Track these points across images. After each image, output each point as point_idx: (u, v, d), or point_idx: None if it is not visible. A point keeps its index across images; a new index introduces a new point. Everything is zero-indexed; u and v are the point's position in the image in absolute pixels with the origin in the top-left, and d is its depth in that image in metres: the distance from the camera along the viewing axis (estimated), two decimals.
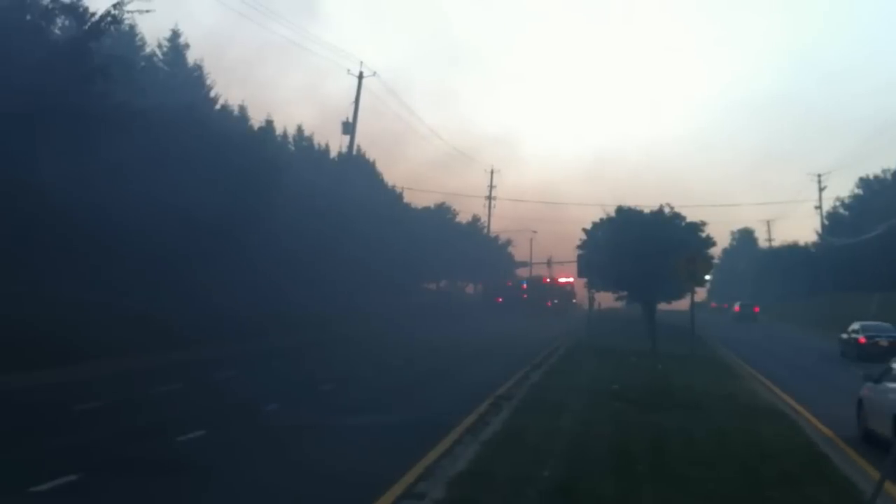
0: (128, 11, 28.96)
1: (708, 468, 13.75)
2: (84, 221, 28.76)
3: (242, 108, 51.42)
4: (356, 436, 17.37)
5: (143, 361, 29.23)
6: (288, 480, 13.30)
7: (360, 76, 64.69)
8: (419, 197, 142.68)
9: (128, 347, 29.56)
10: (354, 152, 67.21)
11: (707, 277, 44.67)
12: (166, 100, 34.88)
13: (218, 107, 47.77)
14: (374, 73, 67.66)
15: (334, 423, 18.60)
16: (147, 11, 29.31)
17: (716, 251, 57.76)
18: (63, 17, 28.10)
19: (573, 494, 12.05)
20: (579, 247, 56.71)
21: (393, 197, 77.06)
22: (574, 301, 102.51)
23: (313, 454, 15.39)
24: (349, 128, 63.85)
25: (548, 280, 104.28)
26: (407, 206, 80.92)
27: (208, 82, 46.86)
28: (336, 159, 65.89)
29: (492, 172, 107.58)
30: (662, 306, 52.34)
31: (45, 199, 26.71)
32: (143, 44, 41.21)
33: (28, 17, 26.52)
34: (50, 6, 27.10)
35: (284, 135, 59.96)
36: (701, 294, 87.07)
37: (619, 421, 18.49)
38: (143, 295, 34.26)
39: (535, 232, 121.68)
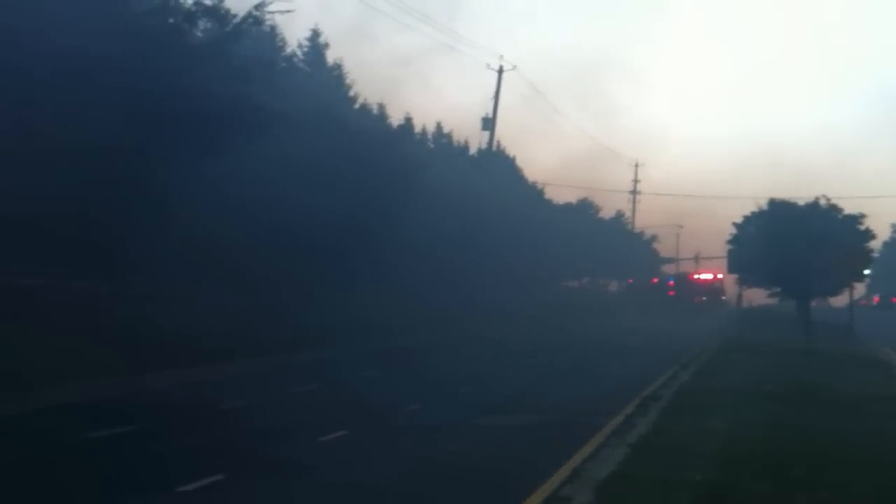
0: (269, 12, 29.32)
1: (868, 474, 12.98)
2: (225, 224, 29.29)
3: (381, 107, 51.62)
4: (498, 437, 17.04)
5: (284, 361, 29.52)
6: (430, 482, 13.07)
7: (500, 70, 64.47)
8: (561, 193, 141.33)
9: (268, 347, 29.92)
10: (494, 148, 66.92)
11: (866, 272, 42.65)
12: (306, 100, 35.18)
13: (357, 106, 48.08)
14: (514, 68, 67.10)
15: (476, 423, 18.33)
16: (288, 11, 29.61)
17: (875, 244, 55.02)
18: (205, 19, 28.57)
19: (727, 500, 11.52)
20: (729, 241, 55.09)
21: (533, 193, 76.37)
22: (723, 298, 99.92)
23: (455, 456, 15.09)
24: (489, 123, 63.60)
25: (696, 276, 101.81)
26: (548, 202, 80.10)
27: (347, 81, 47.27)
28: (475, 156, 65.68)
29: (636, 166, 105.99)
30: (817, 303, 50.31)
31: (185, 203, 27.23)
32: (284, 44, 41.77)
33: (171, 21, 27.09)
34: (192, 9, 27.62)
35: (423, 132, 60.12)
36: (860, 289, 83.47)
37: (774, 423, 17.70)
38: (284, 294, 34.73)
39: (681, 227, 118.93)
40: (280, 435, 16.53)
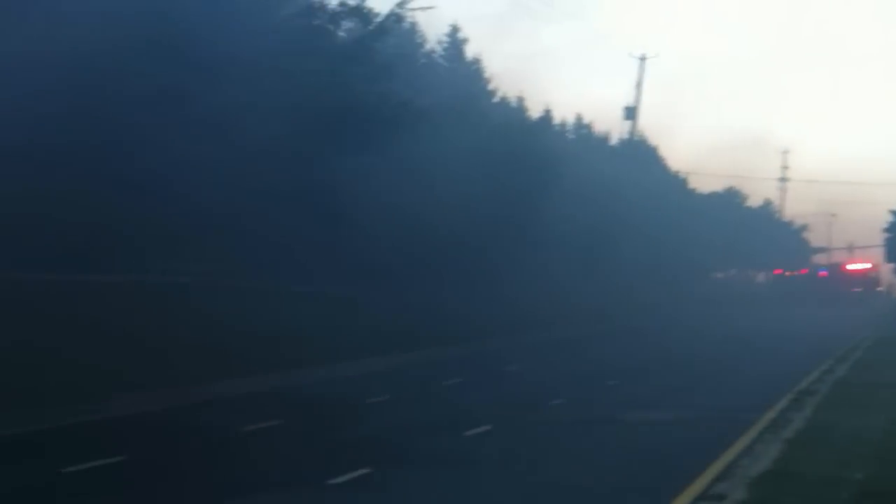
0: (410, 9, 29.82)
1: None
2: (371, 219, 29.79)
3: (520, 99, 51.67)
4: (646, 432, 16.79)
5: (432, 355, 29.85)
6: (576, 478, 12.91)
7: (643, 59, 63.58)
8: (705, 182, 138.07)
9: (416, 342, 30.24)
10: (636, 137, 66.05)
11: None
12: (446, 95, 35.63)
13: (496, 99, 48.31)
14: (657, 56, 66.10)
15: (622, 418, 18.09)
16: (429, 8, 29.98)
17: None
18: (349, 19, 29.22)
19: (889, 499, 11.02)
20: (886, 230, 52.94)
21: (677, 182, 75.12)
22: (879, 289, 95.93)
23: (602, 451, 14.96)
24: (631, 112, 62.86)
25: (849, 267, 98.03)
26: (692, 191, 78.65)
27: (486, 75, 47.57)
28: (617, 146, 64.98)
29: (784, 153, 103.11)
30: None
31: (332, 199, 27.82)
32: (423, 41, 42.25)
33: (316, 22, 27.83)
34: (337, 10, 28.38)
35: (563, 124, 59.82)
36: None
37: None
38: (431, 288, 35.09)
39: (833, 215, 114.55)
40: (426, 429, 16.66)
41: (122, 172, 21.73)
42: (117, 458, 13.40)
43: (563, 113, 68.22)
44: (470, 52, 46.90)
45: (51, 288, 20.58)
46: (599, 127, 65.22)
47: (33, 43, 19.46)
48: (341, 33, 29.63)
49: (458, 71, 44.61)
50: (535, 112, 52.48)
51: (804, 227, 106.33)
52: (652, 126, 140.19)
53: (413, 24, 39.71)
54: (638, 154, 65.53)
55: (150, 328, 21.38)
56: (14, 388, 16.33)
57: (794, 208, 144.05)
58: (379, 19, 29.35)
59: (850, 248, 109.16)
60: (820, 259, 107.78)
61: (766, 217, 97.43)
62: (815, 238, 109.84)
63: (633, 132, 64.61)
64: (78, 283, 21.41)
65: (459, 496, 11.99)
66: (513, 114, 48.89)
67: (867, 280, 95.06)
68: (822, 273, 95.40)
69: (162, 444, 15.17)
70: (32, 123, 19.28)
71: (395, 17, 29.85)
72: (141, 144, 21.88)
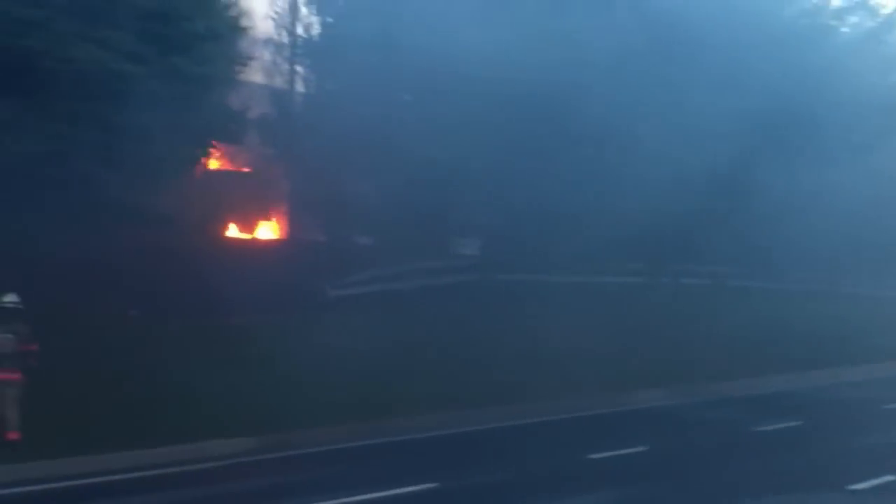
0: None
1: None
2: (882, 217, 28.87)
3: None
4: None
5: None
6: None
7: None
8: None
9: None
10: None
11: None
12: None
13: None
14: None
15: None
16: None
17: None
18: (854, 14, 28.69)
19: None
20: None
21: None
22: None
23: None
24: None
25: None
26: None
27: None
28: None
29: None
30: None
31: (836, 199, 27.25)
32: None
33: (819, 20, 27.64)
34: (843, 6, 28.08)
35: None
36: None
37: None
38: None
39: None
40: None
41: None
42: (640, 448, 14.17)
43: None
44: None
45: (576, 288, 22.53)
46: None
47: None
48: (844, 29, 29.03)
49: None
50: None
51: None
52: None
53: None
54: None
55: (673, 328, 22.47)
56: (550, 379, 17.97)
57: None
58: (887, 11, 28.57)
59: None
60: None
61: None
62: None
63: None
64: (599, 284, 23.32)
65: None
66: None
67: None
68: None
69: (680, 437, 15.80)
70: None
71: None
72: None
